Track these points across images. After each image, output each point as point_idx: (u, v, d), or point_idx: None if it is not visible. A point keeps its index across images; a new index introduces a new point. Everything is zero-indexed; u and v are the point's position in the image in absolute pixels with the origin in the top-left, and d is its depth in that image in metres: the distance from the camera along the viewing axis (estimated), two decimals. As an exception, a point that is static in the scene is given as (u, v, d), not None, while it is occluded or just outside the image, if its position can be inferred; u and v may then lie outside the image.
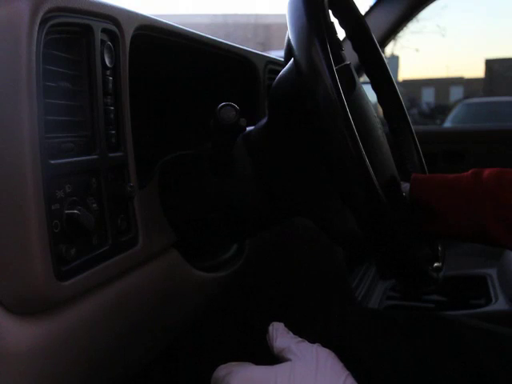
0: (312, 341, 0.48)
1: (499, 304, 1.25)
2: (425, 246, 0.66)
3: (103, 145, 0.49)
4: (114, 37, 0.51)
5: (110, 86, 0.51)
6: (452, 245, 1.56)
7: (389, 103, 0.77)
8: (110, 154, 0.51)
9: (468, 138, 1.90)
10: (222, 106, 0.56)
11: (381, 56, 0.75)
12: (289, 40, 0.51)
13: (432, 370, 0.56)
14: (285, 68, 0.61)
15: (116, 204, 0.51)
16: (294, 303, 1.06)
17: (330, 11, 0.65)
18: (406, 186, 0.67)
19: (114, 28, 0.51)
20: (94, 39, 0.48)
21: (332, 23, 0.67)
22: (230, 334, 1.03)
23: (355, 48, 0.73)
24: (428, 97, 24.34)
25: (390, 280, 1.47)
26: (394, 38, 1.91)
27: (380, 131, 0.67)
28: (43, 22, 0.42)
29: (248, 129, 0.65)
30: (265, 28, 20.83)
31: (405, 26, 1.78)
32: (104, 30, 0.50)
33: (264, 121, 0.64)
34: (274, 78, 0.62)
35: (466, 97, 16.43)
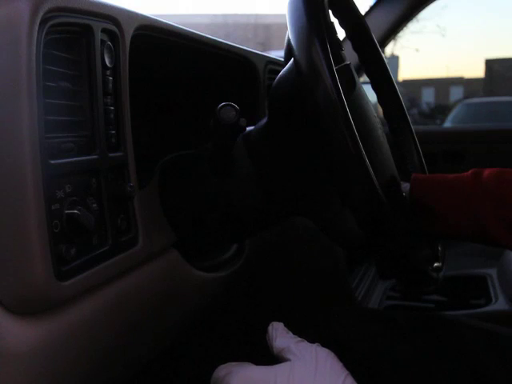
0: (312, 341, 0.47)
1: (499, 304, 1.25)
2: (425, 245, 0.66)
3: (103, 145, 0.49)
4: (114, 37, 0.51)
5: (110, 86, 0.51)
6: (452, 245, 1.56)
7: (389, 103, 0.77)
8: (110, 154, 0.51)
9: (468, 137, 1.90)
10: (222, 106, 0.56)
11: (381, 56, 0.75)
12: (289, 40, 0.51)
13: (432, 370, 0.56)
14: (285, 68, 0.61)
15: (116, 204, 0.51)
16: (294, 303, 1.06)
17: (330, 11, 0.65)
18: (406, 186, 0.67)
19: (113, 28, 0.51)
20: (93, 39, 0.48)
21: (332, 23, 0.67)
22: (230, 334, 1.03)
23: (355, 48, 0.73)
24: (428, 97, 24.33)
25: (390, 280, 1.47)
26: (393, 38, 1.91)
27: (380, 131, 0.67)
28: (43, 22, 0.42)
29: (248, 129, 0.65)
30: (265, 28, 20.83)
31: (405, 25, 1.78)
32: (104, 30, 0.50)
33: (264, 121, 0.64)
34: (274, 78, 0.62)
35: (466, 97, 16.44)
